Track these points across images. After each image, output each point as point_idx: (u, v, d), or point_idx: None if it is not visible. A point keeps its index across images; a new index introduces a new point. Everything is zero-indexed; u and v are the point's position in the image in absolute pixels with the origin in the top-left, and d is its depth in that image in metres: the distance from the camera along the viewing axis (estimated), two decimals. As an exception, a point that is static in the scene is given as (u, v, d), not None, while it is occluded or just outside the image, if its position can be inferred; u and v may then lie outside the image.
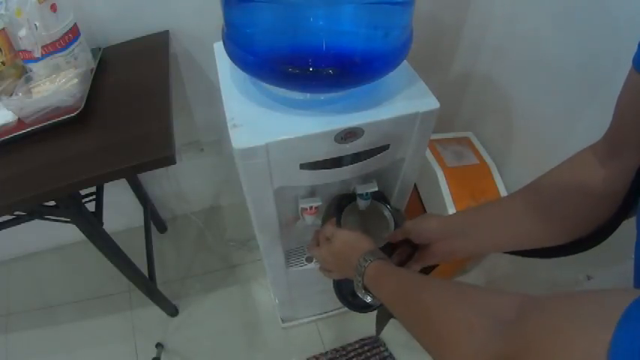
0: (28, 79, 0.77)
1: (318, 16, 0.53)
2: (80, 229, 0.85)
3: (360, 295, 0.52)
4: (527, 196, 0.48)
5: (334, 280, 0.66)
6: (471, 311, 0.33)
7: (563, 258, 0.47)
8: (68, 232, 0.94)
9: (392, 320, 1.15)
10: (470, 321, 0.32)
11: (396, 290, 0.45)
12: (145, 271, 1.10)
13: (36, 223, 0.88)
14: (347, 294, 0.65)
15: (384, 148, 0.68)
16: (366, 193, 0.79)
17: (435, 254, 0.56)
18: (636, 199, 0.37)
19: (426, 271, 0.62)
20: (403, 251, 0.62)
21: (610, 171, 0.40)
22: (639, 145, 0.37)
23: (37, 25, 0.73)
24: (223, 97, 0.67)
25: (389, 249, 0.64)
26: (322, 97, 0.65)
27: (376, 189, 0.79)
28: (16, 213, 0.84)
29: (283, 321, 1.25)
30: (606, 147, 0.41)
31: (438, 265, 0.60)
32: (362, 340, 1.21)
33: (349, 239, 0.58)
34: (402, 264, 0.61)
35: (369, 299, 0.52)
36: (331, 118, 0.61)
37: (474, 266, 1.35)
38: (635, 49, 0.32)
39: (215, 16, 0.63)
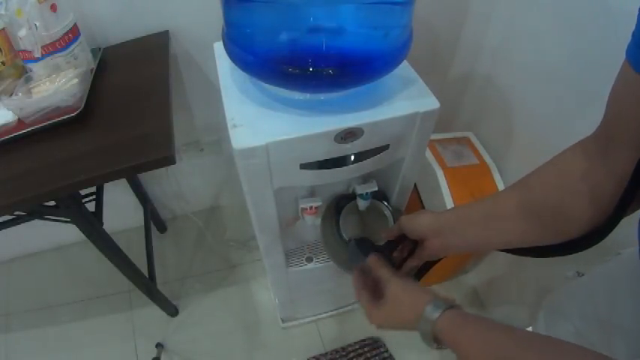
0: (28, 79, 0.77)
1: (318, 16, 0.53)
2: (80, 229, 0.85)
3: (429, 346, 0.45)
4: (517, 194, 0.48)
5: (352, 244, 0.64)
6: None
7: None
8: (68, 232, 0.94)
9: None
10: None
11: (485, 347, 0.38)
12: (145, 271, 1.10)
13: (36, 223, 0.88)
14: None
15: (384, 148, 0.68)
16: (366, 193, 0.79)
17: (428, 250, 0.55)
18: (633, 199, 0.36)
19: (426, 267, 0.62)
20: (405, 247, 0.62)
21: (598, 171, 0.39)
22: (630, 143, 0.36)
23: (37, 25, 0.73)
24: (223, 97, 0.67)
25: (391, 246, 0.64)
26: (322, 97, 0.65)
27: (376, 189, 0.79)
28: (16, 213, 0.84)
29: (283, 321, 1.25)
30: (595, 145, 0.40)
31: (438, 262, 0.60)
32: (362, 340, 1.21)
33: (404, 291, 0.49)
34: (404, 260, 0.61)
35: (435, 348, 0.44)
36: (331, 118, 0.61)
37: (474, 266, 1.35)
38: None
39: (215, 16, 0.63)
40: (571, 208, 0.41)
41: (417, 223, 0.56)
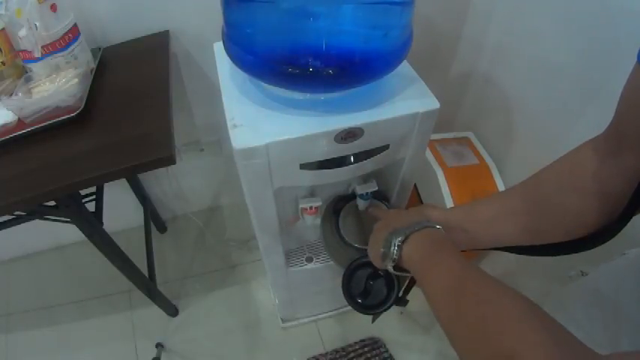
0: (28, 79, 0.77)
1: (318, 16, 0.53)
2: (80, 229, 0.85)
3: (386, 263, 0.48)
4: (527, 191, 0.48)
5: (343, 279, 0.66)
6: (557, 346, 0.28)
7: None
8: (68, 232, 0.94)
9: (393, 320, 1.16)
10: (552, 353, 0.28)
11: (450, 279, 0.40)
12: (145, 271, 1.10)
13: (36, 223, 0.88)
14: (355, 295, 0.65)
15: (384, 148, 0.68)
16: (366, 193, 0.79)
17: None
18: None
19: None
20: None
21: (608, 169, 0.39)
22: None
23: (37, 25, 0.73)
24: (223, 97, 0.67)
25: None
26: (322, 97, 0.65)
27: (376, 189, 0.79)
28: (16, 213, 0.84)
29: (283, 321, 1.25)
30: (606, 144, 0.40)
31: None
32: (362, 340, 1.21)
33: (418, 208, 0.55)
34: None
35: (391, 269, 0.47)
36: (331, 118, 0.61)
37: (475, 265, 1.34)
38: (636, 46, 0.32)
39: (215, 16, 0.63)
40: (580, 207, 0.42)
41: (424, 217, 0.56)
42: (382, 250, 0.49)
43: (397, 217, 0.55)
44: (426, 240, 0.46)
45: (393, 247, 0.47)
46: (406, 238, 0.46)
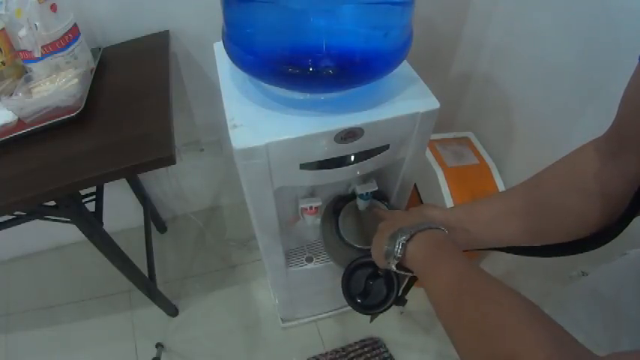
0: (28, 79, 0.77)
1: (318, 16, 0.53)
2: (80, 229, 0.85)
3: (389, 261, 0.48)
4: (528, 191, 0.48)
5: (342, 279, 0.66)
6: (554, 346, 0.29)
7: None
8: (68, 232, 0.94)
9: (393, 320, 1.16)
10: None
11: (452, 281, 0.40)
12: (145, 271, 1.10)
13: (36, 223, 0.87)
14: (355, 295, 0.65)
15: (384, 148, 0.68)
16: (366, 193, 0.79)
17: None
18: None
19: None
20: None
21: (609, 171, 0.39)
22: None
23: (37, 25, 0.73)
24: (223, 97, 0.67)
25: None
26: (322, 97, 0.65)
27: (376, 189, 0.79)
28: (16, 213, 0.84)
29: (283, 321, 1.25)
30: (607, 145, 0.40)
31: None
32: (362, 340, 1.21)
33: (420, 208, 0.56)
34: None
35: (393, 267, 0.48)
36: (331, 118, 0.61)
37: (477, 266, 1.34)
38: (636, 46, 0.32)
39: (215, 16, 0.63)
40: (581, 208, 0.42)
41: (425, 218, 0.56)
42: (386, 247, 0.49)
43: (402, 217, 0.55)
44: (430, 240, 0.47)
45: (397, 246, 0.47)
46: (411, 237, 0.47)
